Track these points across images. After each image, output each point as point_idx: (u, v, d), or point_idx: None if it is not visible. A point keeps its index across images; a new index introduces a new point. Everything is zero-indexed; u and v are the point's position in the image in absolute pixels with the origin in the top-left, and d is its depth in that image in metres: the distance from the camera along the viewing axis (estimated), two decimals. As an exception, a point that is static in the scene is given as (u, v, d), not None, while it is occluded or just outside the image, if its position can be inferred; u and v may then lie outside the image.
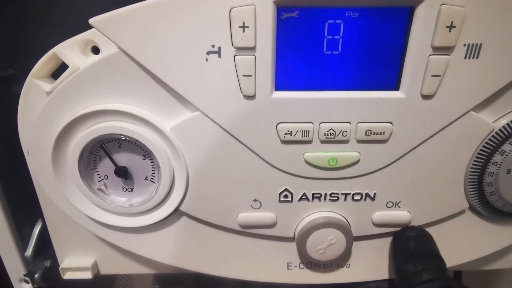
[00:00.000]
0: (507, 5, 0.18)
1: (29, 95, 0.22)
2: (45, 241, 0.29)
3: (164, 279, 0.46)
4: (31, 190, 0.25)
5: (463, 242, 0.25)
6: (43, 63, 0.21)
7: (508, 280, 0.42)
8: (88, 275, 0.27)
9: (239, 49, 0.18)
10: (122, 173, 0.22)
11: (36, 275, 0.30)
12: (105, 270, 0.28)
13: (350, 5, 0.18)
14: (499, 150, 0.21)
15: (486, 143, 0.21)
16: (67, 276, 0.27)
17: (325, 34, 0.19)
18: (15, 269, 0.29)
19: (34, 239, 0.29)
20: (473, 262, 0.27)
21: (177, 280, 0.47)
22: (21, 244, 0.29)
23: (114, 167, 0.22)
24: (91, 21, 0.18)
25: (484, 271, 0.32)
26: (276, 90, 0.20)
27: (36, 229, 0.29)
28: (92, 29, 0.20)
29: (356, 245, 0.25)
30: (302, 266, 0.26)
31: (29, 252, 0.29)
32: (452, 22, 0.18)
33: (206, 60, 0.19)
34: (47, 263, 0.30)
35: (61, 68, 0.21)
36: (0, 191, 0.26)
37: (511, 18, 0.18)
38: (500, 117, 0.21)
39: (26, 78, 0.21)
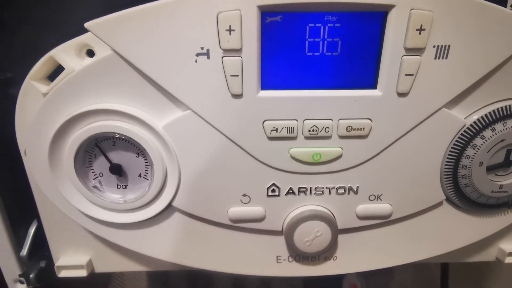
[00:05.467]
0: (472, 9, 0.19)
1: (27, 97, 0.22)
2: (40, 241, 0.29)
3: (158, 280, 0.47)
4: (27, 191, 0.25)
5: (442, 233, 0.27)
6: (40, 66, 0.22)
7: (494, 275, 0.43)
8: (83, 273, 0.28)
9: (226, 51, 0.20)
10: (117, 170, 0.23)
11: (31, 275, 0.30)
12: (100, 268, 0.29)
13: (329, 10, 0.20)
14: (471, 144, 0.23)
15: (459, 137, 0.23)
16: (62, 274, 0.28)
17: (307, 37, 0.20)
18: (10, 269, 0.30)
19: (29, 239, 0.30)
20: (455, 254, 0.28)
21: (171, 281, 0.47)
22: (17, 244, 0.29)
23: (109, 165, 0.23)
24: (87, 25, 0.19)
25: (471, 266, 0.33)
26: (262, 89, 0.21)
27: (31, 230, 0.30)
28: (87, 33, 0.21)
29: (341, 238, 0.26)
30: (290, 259, 0.27)
31: (24, 252, 0.30)
32: (421, 25, 0.19)
33: (196, 61, 0.20)
34: (42, 264, 0.30)
35: (57, 70, 0.22)
36: (-4, 192, 0.27)
37: (477, 21, 0.20)
38: (471, 113, 0.23)
39: (23, 81, 0.22)
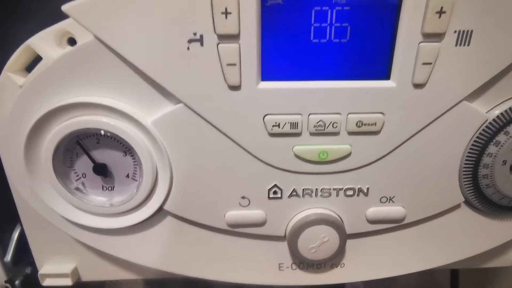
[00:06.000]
0: (497, -10, 0.17)
1: (4, 91, 0.20)
2: (25, 246, 0.27)
3: (154, 284, 0.45)
4: (9, 193, 0.23)
5: (459, 238, 0.25)
6: (17, 56, 0.20)
7: (506, 280, 0.41)
8: (68, 281, 0.26)
9: (222, 37, 0.17)
10: (101, 170, 0.21)
11: (17, 282, 0.28)
12: (86, 276, 0.27)
13: (337, -10, 0.17)
14: (494, 141, 0.21)
15: (480, 133, 0.21)
16: (46, 283, 0.26)
17: (312, 22, 0.18)
18: (-5, 276, 0.28)
19: (13, 244, 0.28)
20: (470, 260, 0.26)
21: (168, 284, 0.45)
22: (1, 250, 0.27)
23: (92, 165, 0.21)
24: (64, 7, 0.17)
25: (482, 270, 0.31)
26: (262, 80, 0.19)
27: (15, 234, 0.28)
28: (68, 19, 0.19)
29: (350, 243, 0.24)
30: (294, 266, 0.25)
31: (8, 257, 0.28)
32: (441, 8, 0.17)
33: (188, 48, 0.18)
34: (28, 270, 0.29)
35: (37, 61, 0.20)
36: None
37: (503, 4, 0.17)
38: (494, 107, 0.21)
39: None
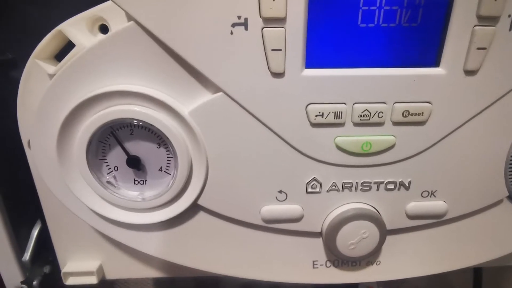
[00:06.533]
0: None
1: (31, 79, 0.20)
2: (44, 244, 0.27)
3: (164, 284, 0.44)
4: (29, 188, 0.23)
5: (498, 235, 0.24)
6: (48, 42, 0.19)
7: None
8: (93, 280, 0.25)
9: (267, 20, 0.17)
10: (135, 163, 0.20)
11: (35, 282, 0.27)
12: (111, 274, 0.26)
13: (388, -28, 0.17)
14: (544, 131, 0.20)
15: (530, 124, 0.20)
16: (70, 281, 0.25)
17: (360, 5, 0.17)
18: (11, 276, 0.27)
19: (32, 242, 0.27)
20: (505, 257, 0.25)
21: (177, 285, 0.44)
22: (18, 248, 0.26)
23: (125, 157, 0.20)
24: (102, -12, 0.16)
25: (504, 268, 0.30)
26: (306, 68, 0.18)
27: (35, 232, 0.27)
28: (101, 5, 0.18)
29: (387, 240, 0.23)
30: (328, 264, 0.24)
31: (26, 256, 0.27)
32: (500, -12, 0.16)
33: (231, 33, 0.17)
34: (46, 269, 0.28)
35: (66, 50, 0.19)
36: (-4, 190, 0.24)
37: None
38: (544, 96, 0.20)
39: (25, 63, 0.19)
